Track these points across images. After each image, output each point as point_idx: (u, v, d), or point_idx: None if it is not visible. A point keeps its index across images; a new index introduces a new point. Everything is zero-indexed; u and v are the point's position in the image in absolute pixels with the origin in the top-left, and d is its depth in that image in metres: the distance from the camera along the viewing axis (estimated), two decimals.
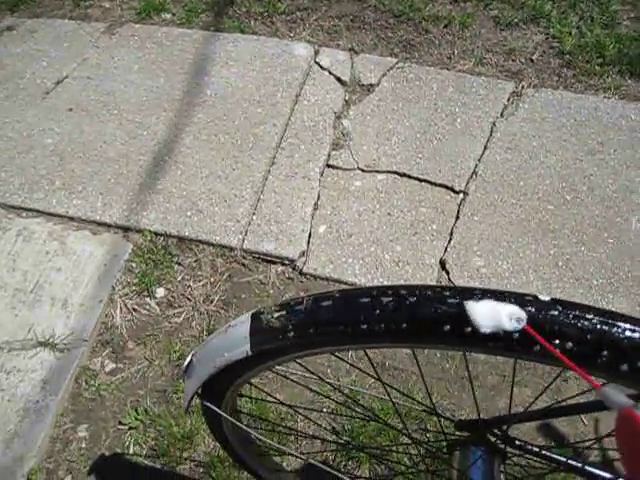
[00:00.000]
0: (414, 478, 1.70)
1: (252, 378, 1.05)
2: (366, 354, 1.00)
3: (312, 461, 1.63)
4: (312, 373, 1.13)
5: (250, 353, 0.87)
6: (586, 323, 0.72)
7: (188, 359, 0.97)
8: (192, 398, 1.03)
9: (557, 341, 0.71)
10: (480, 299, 0.75)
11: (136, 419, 1.88)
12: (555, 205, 2.22)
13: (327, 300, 0.84)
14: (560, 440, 1.83)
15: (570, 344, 0.71)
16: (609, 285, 2.05)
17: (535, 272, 2.08)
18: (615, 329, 0.72)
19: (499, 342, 0.73)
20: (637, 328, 0.72)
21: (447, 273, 2.08)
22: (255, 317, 0.88)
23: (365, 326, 0.79)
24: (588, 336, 0.71)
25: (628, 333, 0.71)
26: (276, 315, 0.86)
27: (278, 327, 0.85)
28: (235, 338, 0.90)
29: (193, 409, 1.83)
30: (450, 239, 2.15)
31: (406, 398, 1.77)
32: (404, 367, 1.93)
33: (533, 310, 0.73)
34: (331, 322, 0.82)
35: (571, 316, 0.72)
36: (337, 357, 1.04)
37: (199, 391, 1.01)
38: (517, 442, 1.21)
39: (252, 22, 2.84)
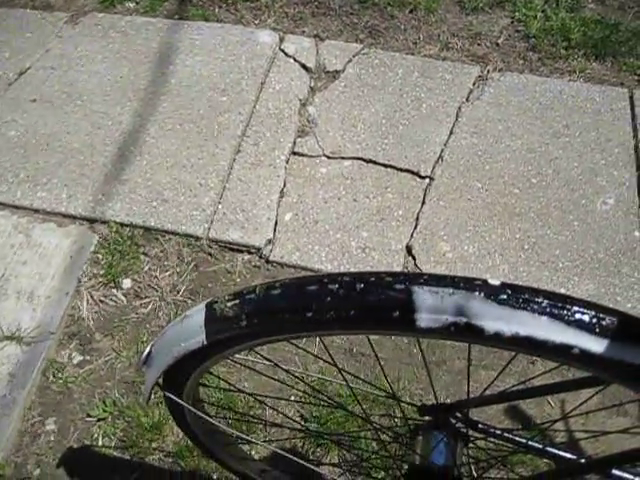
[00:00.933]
0: (380, 464, 1.71)
1: (211, 367, 1.05)
2: (321, 341, 1.00)
3: (278, 450, 1.64)
4: (272, 362, 1.13)
5: (206, 342, 0.87)
6: (535, 307, 0.72)
7: (147, 349, 0.97)
8: (152, 388, 1.03)
9: None
10: (426, 285, 0.75)
11: (104, 411, 1.87)
12: (521, 189, 2.23)
13: (278, 288, 0.84)
14: (527, 422, 1.85)
15: None
16: (575, 268, 2.07)
17: (501, 256, 2.09)
18: (565, 312, 0.72)
19: (446, 329, 0.73)
20: (586, 311, 0.72)
21: (413, 258, 2.09)
22: (209, 306, 0.88)
23: (315, 314, 0.79)
24: None
25: (578, 316, 0.72)
26: (229, 304, 0.86)
27: (231, 316, 0.85)
28: (191, 328, 0.89)
29: (160, 399, 1.83)
30: (416, 224, 2.16)
31: (367, 382, 1.78)
32: (371, 353, 1.94)
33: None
34: (282, 310, 0.82)
35: (520, 300, 0.73)
36: (293, 344, 1.04)
37: (160, 382, 1.01)
38: (479, 425, 1.22)
39: (216, 10, 2.82)
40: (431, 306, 0.73)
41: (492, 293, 0.74)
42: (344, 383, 1.82)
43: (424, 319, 0.74)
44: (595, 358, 0.72)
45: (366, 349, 1.94)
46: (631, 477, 1.11)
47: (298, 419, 1.86)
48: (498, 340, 0.74)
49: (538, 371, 1.87)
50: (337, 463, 1.77)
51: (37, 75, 2.61)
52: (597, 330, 0.72)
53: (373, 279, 0.78)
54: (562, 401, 1.86)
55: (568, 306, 0.73)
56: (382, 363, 1.93)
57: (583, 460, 1.28)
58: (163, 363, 0.95)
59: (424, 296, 0.74)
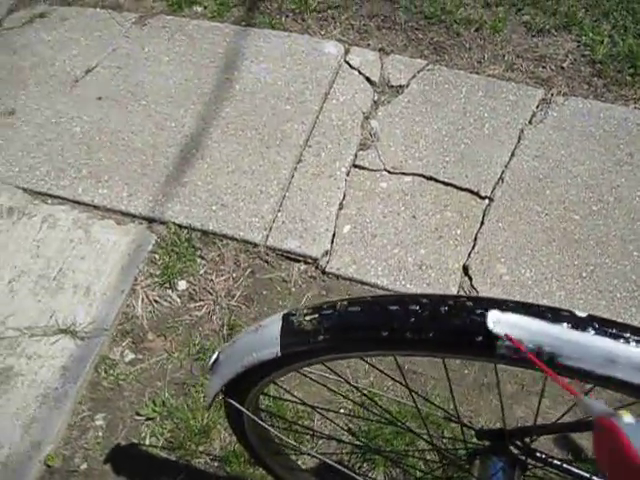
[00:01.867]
0: None
1: (278, 378, 1.05)
2: (396, 361, 1.00)
3: (328, 461, 1.64)
4: (336, 374, 1.13)
5: (279, 354, 0.88)
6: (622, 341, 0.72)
7: (215, 356, 0.97)
8: (216, 395, 1.03)
9: None
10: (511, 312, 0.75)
11: (154, 410, 1.89)
12: (581, 215, 2.21)
13: (358, 305, 0.84)
14: (578, 454, 1.82)
15: None
16: (632, 299, 2.04)
17: (558, 282, 2.07)
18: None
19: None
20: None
21: (470, 279, 2.08)
22: (286, 318, 0.89)
23: (394, 333, 0.79)
24: None
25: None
26: (308, 318, 0.86)
27: (309, 330, 0.85)
28: (265, 338, 0.90)
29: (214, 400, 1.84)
30: (474, 245, 2.14)
31: (429, 404, 1.77)
32: (423, 371, 1.93)
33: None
34: (361, 327, 0.82)
35: (607, 334, 0.72)
36: (364, 360, 1.04)
37: (223, 388, 1.02)
38: (538, 454, 1.21)
39: (283, 18, 2.83)
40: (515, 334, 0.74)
41: (579, 325, 0.73)
42: (398, 399, 1.82)
43: (505, 346, 0.74)
44: None
45: (417, 367, 1.93)
46: None
47: (346, 433, 1.86)
48: (581, 374, 0.73)
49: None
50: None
51: (103, 74, 2.65)
52: None
53: (453, 302, 0.78)
54: None
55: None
56: (433, 382, 1.92)
57: None
58: (231, 371, 0.96)
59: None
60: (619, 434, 0.57)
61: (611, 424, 0.58)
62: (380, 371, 1.13)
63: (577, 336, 0.72)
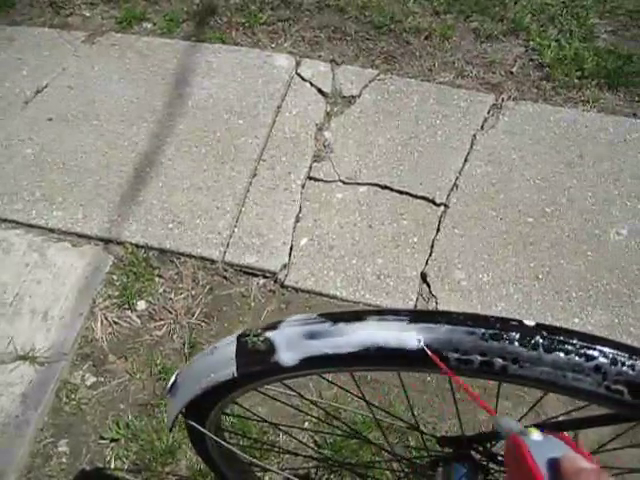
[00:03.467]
0: None
1: (238, 398, 1.05)
2: (352, 376, 1.01)
3: (292, 478, 1.64)
4: (292, 390, 1.13)
5: (236, 375, 0.88)
6: (569, 348, 0.74)
7: (173, 379, 0.98)
8: (176, 417, 1.03)
9: None
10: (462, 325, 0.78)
11: (117, 433, 1.87)
12: (535, 218, 2.24)
13: (314, 324, 0.85)
14: None
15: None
16: (588, 298, 2.07)
17: (515, 285, 2.10)
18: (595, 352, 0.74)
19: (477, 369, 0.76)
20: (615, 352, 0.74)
21: (428, 286, 2.09)
22: (240, 339, 0.89)
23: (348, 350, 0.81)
24: None
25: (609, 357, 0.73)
26: (261, 337, 0.86)
27: (263, 350, 0.86)
28: (221, 359, 0.90)
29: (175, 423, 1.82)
30: (431, 252, 2.16)
31: (389, 414, 1.78)
32: (385, 380, 1.94)
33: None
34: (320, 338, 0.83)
35: (554, 342, 0.74)
36: (322, 377, 1.04)
37: (183, 410, 1.01)
38: (499, 458, 1.22)
39: (233, 32, 2.83)
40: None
41: (527, 335, 0.75)
42: (359, 412, 1.82)
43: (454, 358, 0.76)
44: (625, 401, 0.73)
45: (379, 375, 1.94)
46: None
47: (312, 445, 1.86)
48: (529, 380, 0.75)
49: (555, 405, 1.87)
50: None
51: (54, 94, 2.63)
52: (630, 372, 0.73)
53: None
54: (575, 434, 1.86)
55: (599, 347, 0.74)
56: (396, 391, 1.93)
57: None
58: (190, 393, 0.96)
59: (459, 336, 0.76)
60: (524, 450, 0.59)
61: (518, 441, 0.61)
62: (338, 387, 1.14)
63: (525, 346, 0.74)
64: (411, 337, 0.77)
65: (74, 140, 2.46)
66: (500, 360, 0.75)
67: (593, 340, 0.74)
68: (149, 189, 2.31)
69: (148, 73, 2.66)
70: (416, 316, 0.80)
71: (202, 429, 1.08)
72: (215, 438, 1.14)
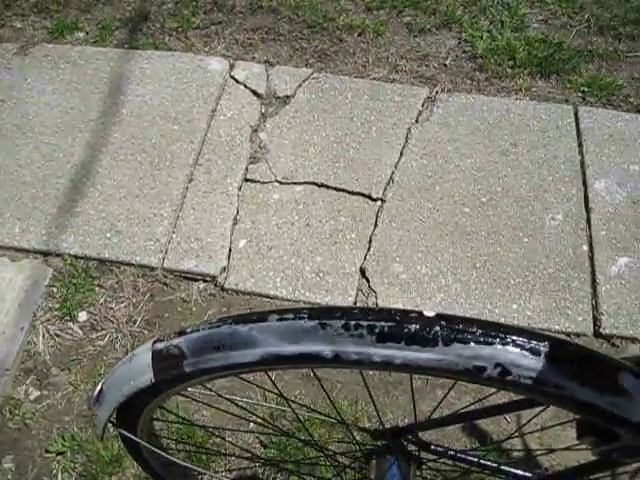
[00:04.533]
0: None
1: (162, 403, 1.06)
2: (267, 374, 1.02)
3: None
4: (212, 392, 1.14)
5: (154, 380, 0.89)
6: (469, 337, 0.76)
7: (98, 387, 0.98)
8: (105, 425, 1.03)
9: None
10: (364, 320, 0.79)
11: (63, 446, 1.86)
12: (471, 207, 2.27)
13: (222, 326, 0.85)
14: (483, 440, 1.87)
15: None
16: (526, 283, 2.11)
17: (454, 275, 2.13)
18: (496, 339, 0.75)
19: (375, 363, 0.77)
20: (518, 338, 0.75)
21: (367, 281, 2.12)
22: (155, 345, 0.90)
23: (260, 348, 0.82)
24: None
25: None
26: (175, 342, 0.87)
27: (177, 354, 0.86)
28: (138, 366, 0.90)
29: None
30: (369, 247, 2.18)
31: (314, 410, 1.79)
32: (328, 377, 1.95)
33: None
34: (226, 347, 0.84)
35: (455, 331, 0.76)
36: (242, 379, 1.05)
37: (112, 419, 1.02)
38: (432, 447, 1.24)
39: (166, 38, 2.83)
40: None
41: (427, 325, 0.77)
42: (299, 411, 1.84)
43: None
44: (527, 385, 0.75)
45: (323, 372, 1.96)
46: None
47: (258, 446, 1.87)
48: (434, 370, 0.77)
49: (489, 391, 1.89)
50: None
51: None
52: (530, 356, 0.75)
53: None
54: (518, 417, 1.90)
55: (501, 334, 0.76)
56: (339, 386, 1.95)
57: (536, 477, 1.32)
58: (114, 401, 0.96)
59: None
60: None
61: None
62: (257, 385, 1.15)
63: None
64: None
65: (8, 154, 2.43)
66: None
67: (493, 327, 0.76)
68: (86, 199, 2.30)
69: (82, 83, 2.64)
70: (314, 314, 0.81)
71: (132, 436, 1.08)
72: (147, 445, 1.14)
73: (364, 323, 0.77)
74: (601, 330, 2.02)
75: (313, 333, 0.79)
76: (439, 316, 0.78)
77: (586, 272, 2.14)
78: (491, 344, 0.75)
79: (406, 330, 0.76)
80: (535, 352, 0.74)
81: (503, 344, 0.75)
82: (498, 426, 1.87)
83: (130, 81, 2.63)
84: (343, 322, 0.78)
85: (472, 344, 0.75)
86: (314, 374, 1.19)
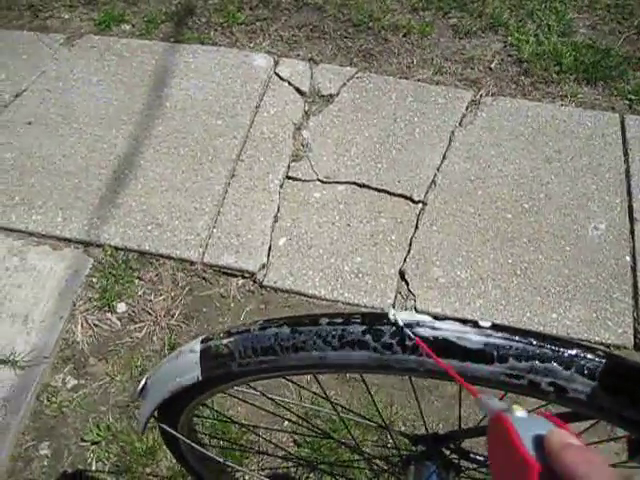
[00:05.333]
0: None
1: (206, 400, 1.06)
2: (315, 378, 1.01)
3: (267, 478, 1.65)
4: (262, 394, 1.14)
5: (200, 378, 0.89)
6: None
7: (142, 382, 0.98)
8: (147, 421, 1.04)
9: None
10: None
11: (98, 435, 1.87)
12: (513, 214, 2.25)
13: (272, 327, 0.85)
14: None
15: None
16: (566, 293, 2.08)
17: (493, 281, 2.11)
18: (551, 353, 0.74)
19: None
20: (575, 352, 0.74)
21: (407, 283, 2.10)
22: (205, 343, 0.90)
23: (309, 352, 0.81)
24: None
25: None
26: (224, 341, 0.87)
27: (226, 353, 0.86)
28: (186, 364, 0.91)
29: (153, 425, 1.83)
30: (409, 249, 2.17)
31: (356, 414, 1.79)
32: (365, 377, 1.94)
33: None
34: (276, 350, 0.83)
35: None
36: (287, 380, 1.05)
37: (155, 413, 1.02)
38: (471, 455, 1.23)
39: (212, 33, 2.84)
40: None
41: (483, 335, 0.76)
42: (332, 413, 1.83)
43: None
44: (580, 400, 0.74)
45: (358, 374, 1.95)
46: None
47: (292, 444, 1.87)
48: (488, 381, 0.76)
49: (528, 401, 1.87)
50: None
51: (33, 97, 2.63)
52: (585, 372, 0.74)
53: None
54: None
55: (555, 348, 0.75)
56: (374, 389, 1.94)
57: None
58: (158, 397, 0.97)
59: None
60: (509, 427, 0.59)
61: (502, 418, 0.60)
62: (300, 386, 1.14)
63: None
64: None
65: (53, 144, 2.46)
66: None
67: (550, 341, 0.75)
68: (128, 191, 2.31)
69: (127, 75, 2.66)
70: (365, 319, 0.81)
71: (173, 432, 1.09)
72: (187, 440, 1.15)
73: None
74: None
75: (362, 340, 0.79)
76: (494, 326, 0.77)
77: (628, 283, 2.11)
78: (547, 359, 0.74)
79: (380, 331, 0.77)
80: (590, 369, 0.74)
81: (558, 360, 0.74)
82: None
83: (175, 75, 2.65)
84: (394, 329, 0.78)
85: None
86: (362, 378, 1.18)
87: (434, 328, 0.77)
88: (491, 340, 0.76)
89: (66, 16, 2.96)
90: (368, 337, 0.79)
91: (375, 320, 0.80)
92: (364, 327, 0.79)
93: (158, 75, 2.65)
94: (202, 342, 0.90)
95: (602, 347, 2.01)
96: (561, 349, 0.75)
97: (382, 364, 0.79)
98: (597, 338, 2.00)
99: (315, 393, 1.34)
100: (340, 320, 0.81)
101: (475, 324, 0.78)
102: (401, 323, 0.76)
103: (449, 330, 0.77)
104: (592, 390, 0.74)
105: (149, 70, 2.67)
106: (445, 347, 0.76)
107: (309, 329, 0.82)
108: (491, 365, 0.75)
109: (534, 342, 0.76)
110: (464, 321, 0.78)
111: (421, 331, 0.77)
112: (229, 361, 0.86)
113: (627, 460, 0.87)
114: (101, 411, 1.93)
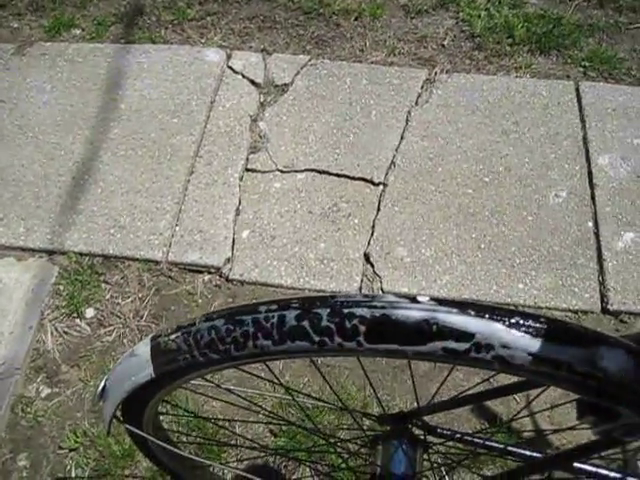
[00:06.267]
0: (348, 475, 1.74)
1: (165, 396, 1.07)
2: (267, 366, 1.02)
3: (238, 472, 1.66)
4: (223, 388, 1.15)
5: (154, 375, 0.89)
6: None
7: (102, 384, 0.99)
8: (111, 421, 1.04)
9: None
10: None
11: (76, 442, 1.88)
12: (474, 188, 2.27)
13: (216, 320, 0.86)
14: (492, 422, 1.87)
15: None
16: (531, 262, 2.11)
17: (458, 256, 2.12)
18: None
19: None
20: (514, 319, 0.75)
21: (372, 266, 2.11)
22: (154, 340, 0.90)
23: (251, 342, 0.82)
24: None
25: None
26: (172, 337, 0.88)
27: (174, 349, 0.87)
28: (138, 362, 0.92)
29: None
30: (373, 232, 2.18)
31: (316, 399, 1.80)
32: (336, 363, 1.96)
33: None
34: (220, 341, 0.84)
35: None
36: (241, 370, 1.05)
37: (118, 414, 1.03)
38: (438, 430, 1.24)
39: (163, 31, 2.83)
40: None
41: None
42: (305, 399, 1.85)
43: None
44: (524, 367, 0.75)
45: (329, 359, 1.96)
46: (594, 469, 1.15)
47: (269, 435, 1.88)
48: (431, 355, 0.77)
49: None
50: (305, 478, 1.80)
51: None
52: (526, 339, 0.75)
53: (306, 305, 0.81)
54: (527, 396, 1.89)
55: (495, 317, 0.76)
56: (347, 373, 1.95)
57: (543, 456, 1.32)
58: (117, 397, 0.97)
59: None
60: None
61: None
62: (257, 376, 1.15)
63: None
64: None
65: (10, 154, 2.44)
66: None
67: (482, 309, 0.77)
68: (88, 196, 2.30)
69: (80, 80, 2.65)
70: (303, 303, 0.81)
71: (138, 431, 1.09)
72: (154, 439, 1.15)
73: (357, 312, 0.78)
74: (609, 307, 2.02)
75: (300, 325, 0.79)
76: (432, 300, 0.78)
77: (592, 249, 2.14)
78: (487, 329, 0.75)
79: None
80: (530, 335, 0.75)
81: (499, 329, 0.75)
82: (508, 407, 1.86)
83: (128, 76, 2.63)
84: (329, 310, 0.78)
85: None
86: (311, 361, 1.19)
87: (371, 307, 0.78)
88: (429, 314, 0.76)
89: (15, 25, 2.93)
90: (306, 323, 0.79)
91: (312, 304, 0.81)
92: (300, 312, 0.80)
93: (111, 78, 2.63)
94: (152, 339, 0.91)
95: (570, 313, 2.03)
96: (501, 318, 0.76)
97: (323, 348, 0.80)
98: (564, 305, 2.03)
99: (277, 383, 1.34)
100: (275, 307, 0.82)
101: (413, 299, 0.79)
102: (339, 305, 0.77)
103: (387, 307, 0.78)
104: (535, 356, 0.75)
105: (102, 73, 2.65)
106: (383, 324, 0.77)
107: (246, 319, 0.83)
108: (431, 340, 0.76)
109: (472, 313, 0.76)
110: (402, 297, 0.79)
111: (359, 311, 0.78)
112: (177, 356, 0.87)
113: (579, 423, 0.88)
114: (77, 417, 1.93)
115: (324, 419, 1.84)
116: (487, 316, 0.76)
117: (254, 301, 0.87)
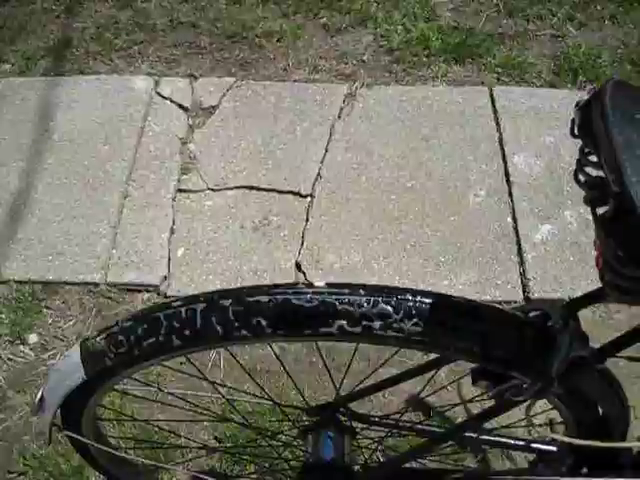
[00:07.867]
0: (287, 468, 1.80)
1: (101, 400, 1.13)
2: (188, 359, 1.10)
3: (186, 473, 1.72)
4: (143, 383, 1.21)
5: (85, 377, 0.96)
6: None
7: (39, 394, 1.04)
8: (51, 429, 1.09)
9: None
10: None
11: (25, 465, 1.89)
12: (397, 194, 2.37)
13: (133, 320, 0.93)
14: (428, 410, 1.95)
15: None
16: (455, 260, 2.22)
17: (386, 259, 2.22)
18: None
19: None
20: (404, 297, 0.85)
21: (304, 274, 2.20)
22: (84, 343, 0.97)
23: (166, 337, 0.90)
24: None
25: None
26: (98, 339, 0.95)
27: (101, 350, 0.94)
28: (71, 366, 0.97)
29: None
30: (303, 242, 2.27)
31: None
32: (274, 368, 2.03)
33: None
34: (139, 338, 0.91)
35: None
36: (167, 367, 1.13)
37: (58, 422, 1.09)
38: (364, 417, 1.33)
39: (91, 62, 2.89)
40: None
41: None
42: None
43: None
44: (418, 340, 0.84)
45: (269, 365, 2.03)
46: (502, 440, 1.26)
47: (213, 441, 1.93)
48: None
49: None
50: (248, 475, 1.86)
51: None
52: (415, 313, 0.84)
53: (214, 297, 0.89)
54: (458, 384, 1.97)
55: (385, 295, 0.85)
56: (286, 376, 2.02)
57: (448, 428, 1.43)
58: (54, 403, 1.03)
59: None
60: None
61: None
62: (187, 374, 1.21)
63: None
64: None
65: None
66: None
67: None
68: (25, 226, 2.35)
69: (11, 113, 2.69)
70: (206, 298, 0.90)
71: (77, 437, 1.15)
72: (93, 443, 1.21)
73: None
74: (530, 295, 2.13)
75: (209, 316, 0.87)
76: (328, 284, 0.87)
77: (512, 242, 2.26)
78: (378, 306, 0.84)
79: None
80: (420, 310, 0.84)
81: (390, 305, 0.84)
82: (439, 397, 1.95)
83: (59, 107, 2.69)
84: (230, 301, 0.86)
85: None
86: (233, 355, 1.25)
87: (269, 294, 0.87)
88: (325, 298, 0.85)
89: None
90: (213, 314, 0.88)
91: (218, 297, 0.89)
92: (206, 304, 0.88)
93: (43, 109, 2.68)
94: (81, 343, 0.97)
95: (494, 304, 2.13)
96: (391, 295, 0.85)
97: (229, 339, 0.88)
98: (488, 297, 2.13)
99: (202, 378, 1.40)
100: (184, 302, 0.90)
101: (310, 285, 0.88)
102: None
103: (287, 294, 0.87)
104: (426, 329, 0.84)
105: (33, 106, 2.70)
106: (282, 309, 0.85)
107: (160, 315, 0.91)
108: (328, 322, 0.85)
109: (363, 292, 0.85)
110: (302, 284, 0.88)
111: (258, 298, 0.86)
112: (103, 357, 0.93)
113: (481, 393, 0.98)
114: (25, 441, 1.96)
115: (267, 417, 1.91)
116: (377, 295, 0.85)
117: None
